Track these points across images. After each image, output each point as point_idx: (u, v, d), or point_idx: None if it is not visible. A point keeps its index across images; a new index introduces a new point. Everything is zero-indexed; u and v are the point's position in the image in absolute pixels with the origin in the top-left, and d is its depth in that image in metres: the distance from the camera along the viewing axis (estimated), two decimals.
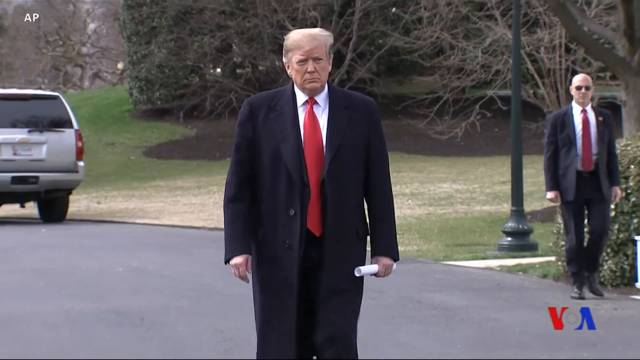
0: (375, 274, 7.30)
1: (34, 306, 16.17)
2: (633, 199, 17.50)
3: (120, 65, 55.55)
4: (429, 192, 31.14)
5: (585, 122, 14.22)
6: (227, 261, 7.23)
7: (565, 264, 16.34)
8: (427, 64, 39.15)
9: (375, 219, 7.40)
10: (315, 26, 42.41)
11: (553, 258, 19.14)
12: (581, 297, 14.95)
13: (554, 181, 14.64)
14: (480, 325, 14.82)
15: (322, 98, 7.25)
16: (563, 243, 18.35)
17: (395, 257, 7.39)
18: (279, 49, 43.44)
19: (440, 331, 14.28)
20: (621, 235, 17.30)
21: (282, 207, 7.14)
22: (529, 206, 22.74)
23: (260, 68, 45.16)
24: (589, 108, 14.40)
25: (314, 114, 7.20)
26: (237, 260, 7.17)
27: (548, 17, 32.59)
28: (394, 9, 39.74)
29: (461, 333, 14.33)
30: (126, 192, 34.81)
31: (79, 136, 28.81)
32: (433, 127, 37.90)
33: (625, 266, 17.28)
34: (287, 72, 7.22)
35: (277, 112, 7.19)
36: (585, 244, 15.42)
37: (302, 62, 7.13)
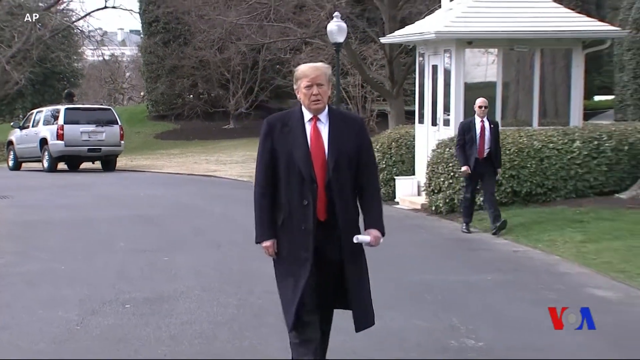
0: (368, 243, 5.54)
1: (100, 213, 16.07)
2: (393, 158, 17.72)
3: (142, 93, 54.78)
4: None
5: (482, 128, 13.16)
6: (258, 242, 5.58)
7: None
8: (295, 94, 39.02)
9: (368, 204, 5.64)
10: (239, 74, 42.59)
11: None
12: (468, 232, 13.28)
13: (465, 160, 13.19)
14: None
15: (323, 116, 5.53)
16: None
17: (382, 232, 5.67)
18: (221, 86, 43.14)
19: None
20: (388, 176, 17.53)
21: (297, 198, 5.40)
22: None
23: (212, 95, 44.66)
24: (485, 119, 13.27)
25: (317, 128, 5.49)
26: (267, 243, 5.50)
27: (352, 69, 32.64)
28: (277, 66, 39.43)
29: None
30: (145, 156, 34.40)
31: (121, 128, 28.40)
32: None
33: (390, 192, 17.54)
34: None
35: (289, 127, 5.50)
36: (477, 203, 13.80)
37: (309, 87, 5.48)
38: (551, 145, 15.21)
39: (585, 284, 9.44)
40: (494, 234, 13.01)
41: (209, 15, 33.15)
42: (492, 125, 13.19)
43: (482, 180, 13.27)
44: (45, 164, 28.06)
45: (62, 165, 28.76)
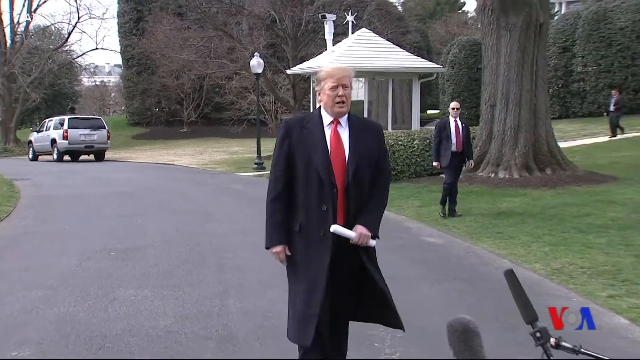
0: (349, 238, 3.51)
1: (91, 190, 15.58)
2: None
3: (123, 108, 53.39)
4: (228, 150, 31.03)
5: (457, 127, 10.66)
6: (268, 247, 3.60)
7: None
8: (229, 108, 38.43)
9: (372, 204, 3.62)
10: (190, 94, 41.65)
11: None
12: (452, 215, 10.67)
13: (437, 156, 10.70)
14: (250, 196, 14.81)
15: (344, 120, 3.59)
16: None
17: (375, 233, 3.66)
18: (177, 102, 42.30)
19: (235, 200, 14.22)
20: None
21: (315, 203, 3.50)
22: (263, 155, 22.57)
23: (171, 108, 43.64)
24: (458, 119, 10.75)
25: (338, 132, 3.56)
26: (277, 248, 3.55)
27: (267, 91, 32.38)
28: (217, 89, 38.80)
29: (245, 201, 14.31)
30: (125, 151, 33.45)
31: (108, 132, 27.75)
32: (231, 128, 37.41)
33: None
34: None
35: (308, 130, 3.56)
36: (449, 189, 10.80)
37: (334, 88, 3.54)
38: (400, 142, 15.46)
39: (421, 234, 9.63)
40: (452, 215, 10.93)
41: (169, 54, 33.04)
42: (463, 124, 10.97)
43: (455, 171, 11.07)
44: (55, 156, 27.41)
45: (66, 157, 27.88)
